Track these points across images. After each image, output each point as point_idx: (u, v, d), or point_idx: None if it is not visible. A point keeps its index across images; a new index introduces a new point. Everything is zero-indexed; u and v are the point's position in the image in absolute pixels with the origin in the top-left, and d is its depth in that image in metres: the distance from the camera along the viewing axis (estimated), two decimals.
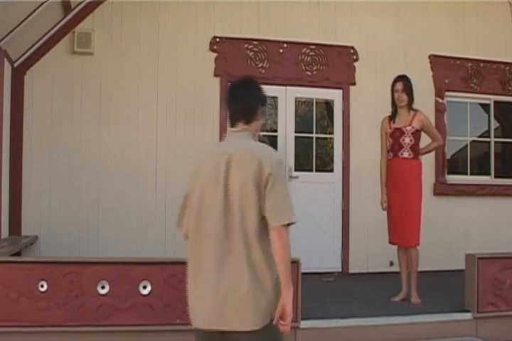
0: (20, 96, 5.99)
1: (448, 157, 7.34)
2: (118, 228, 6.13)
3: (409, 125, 5.10)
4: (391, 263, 6.26)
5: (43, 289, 3.89)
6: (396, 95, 5.16)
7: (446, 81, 7.23)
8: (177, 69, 6.45)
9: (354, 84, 6.95)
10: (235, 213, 2.37)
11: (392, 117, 5.23)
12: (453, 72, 7.26)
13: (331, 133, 6.98)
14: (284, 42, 6.75)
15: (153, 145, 6.35)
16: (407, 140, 5.09)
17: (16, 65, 5.91)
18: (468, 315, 4.62)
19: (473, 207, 7.22)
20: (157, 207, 6.30)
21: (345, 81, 6.94)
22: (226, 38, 6.58)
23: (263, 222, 2.37)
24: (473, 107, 7.54)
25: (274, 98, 6.84)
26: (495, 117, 7.62)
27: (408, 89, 5.13)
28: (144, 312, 4.00)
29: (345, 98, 6.93)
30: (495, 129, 7.62)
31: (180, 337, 4.09)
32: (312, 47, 6.83)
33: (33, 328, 3.87)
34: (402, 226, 5.04)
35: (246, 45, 6.64)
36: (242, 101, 2.60)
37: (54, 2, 5.41)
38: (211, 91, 6.52)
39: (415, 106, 5.20)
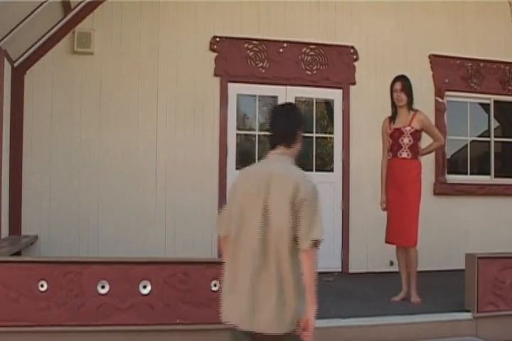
0: (20, 96, 5.99)
1: (448, 157, 7.34)
2: (118, 228, 6.14)
3: (409, 125, 5.10)
4: (391, 263, 6.25)
5: (43, 289, 3.89)
6: (395, 95, 5.16)
7: (446, 81, 7.23)
8: (177, 69, 6.45)
9: (354, 83, 6.96)
10: (271, 230, 2.62)
11: (393, 118, 5.24)
12: (453, 72, 7.26)
13: (331, 132, 6.99)
14: (284, 41, 6.75)
15: (153, 145, 6.35)
16: (406, 140, 5.09)
17: (15, 64, 5.92)
18: (468, 315, 4.62)
19: (473, 206, 7.23)
20: (157, 207, 6.30)
21: (345, 81, 6.94)
22: (226, 38, 6.58)
23: (295, 241, 2.61)
24: (473, 107, 7.54)
25: (274, 98, 6.84)
26: (495, 117, 7.62)
27: (407, 88, 5.13)
28: (144, 311, 4.00)
29: (345, 98, 6.93)
30: (495, 129, 7.62)
31: (180, 337, 4.10)
32: (312, 46, 6.84)
33: (33, 328, 3.87)
34: (400, 226, 5.05)
35: (246, 45, 6.65)
36: (283, 128, 2.81)
37: (54, 2, 5.41)
38: (211, 91, 6.53)
39: (415, 106, 5.21)
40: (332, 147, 6.95)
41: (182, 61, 6.47)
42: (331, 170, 6.90)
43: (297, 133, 2.83)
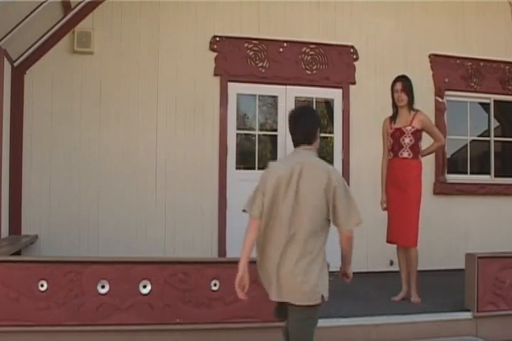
0: (20, 95, 5.99)
1: (448, 156, 7.34)
2: (118, 227, 6.13)
3: (410, 125, 5.11)
4: (391, 263, 6.26)
5: (43, 288, 3.89)
6: (396, 95, 5.17)
7: (446, 80, 7.23)
8: (177, 68, 6.45)
9: (354, 83, 6.95)
10: (302, 212, 3.02)
11: (393, 118, 5.24)
12: (453, 72, 7.26)
13: (331, 132, 6.98)
14: (284, 41, 6.75)
15: (153, 144, 6.35)
16: (407, 140, 5.10)
17: (15, 64, 5.91)
18: (468, 315, 4.63)
19: (473, 206, 7.22)
20: (157, 206, 6.30)
21: (345, 80, 6.94)
22: (226, 38, 6.57)
23: (323, 222, 3.06)
24: (473, 106, 7.54)
25: (274, 97, 6.85)
26: (495, 116, 7.61)
27: (408, 89, 5.14)
28: (144, 311, 4.00)
29: (345, 97, 6.93)
30: (495, 128, 7.62)
31: (180, 337, 4.10)
32: (312, 46, 6.83)
33: (33, 327, 3.87)
34: (401, 225, 5.05)
35: (246, 45, 6.64)
36: (304, 129, 3.24)
37: (54, 2, 5.41)
38: (211, 91, 6.53)
39: (415, 105, 5.21)
40: (332, 147, 6.95)
41: (182, 61, 6.47)
42: None
43: (316, 132, 3.26)
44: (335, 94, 6.95)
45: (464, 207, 7.18)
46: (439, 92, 7.19)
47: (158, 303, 4.03)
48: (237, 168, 6.63)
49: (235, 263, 4.20)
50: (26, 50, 5.97)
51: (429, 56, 7.21)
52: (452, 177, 7.27)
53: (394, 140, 5.16)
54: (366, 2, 6.98)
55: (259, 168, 6.72)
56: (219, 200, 6.45)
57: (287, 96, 6.79)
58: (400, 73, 5.32)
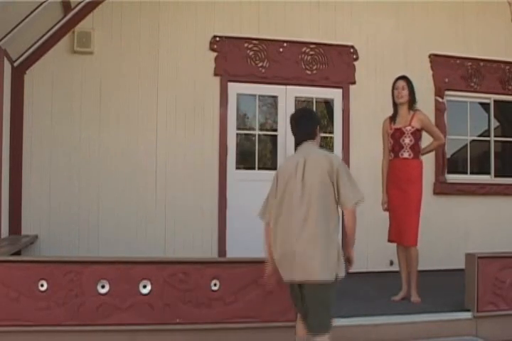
0: (20, 95, 5.99)
1: (448, 156, 7.34)
2: (118, 227, 6.13)
3: (409, 125, 5.11)
4: (391, 263, 6.26)
5: (43, 288, 3.89)
6: (396, 92, 5.17)
7: (446, 80, 7.23)
8: (177, 68, 6.45)
9: (354, 83, 6.95)
10: (311, 196, 3.34)
11: (393, 118, 5.25)
12: (453, 72, 7.26)
13: (331, 132, 6.98)
14: (284, 41, 6.75)
15: (153, 144, 6.35)
16: (407, 140, 5.10)
17: (15, 64, 5.91)
18: (468, 314, 4.63)
19: (473, 206, 7.22)
20: (157, 206, 6.30)
21: (345, 80, 6.94)
22: (226, 37, 6.57)
23: (332, 204, 3.36)
24: (473, 106, 7.54)
25: (274, 97, 6.85)
26: (495, 116, 7.61)
27: (409, 87, 5.14)
28: (144, 311, 4.00)
29: (345, 97, 6.93)
30: (495, 128, 7.62)
31: (180, 337, 4.10)
32: (312, 46, 6.83)
33: (33, 327, 3.87)
34: (401, 225, 5.05)
35: (246, 45, 6.64)
36: (305, 129, 3.63)
37: (54, 2, 5.41)
38: (211, 91, 6.53)
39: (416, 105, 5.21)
40: (332, 147, 6.94)
41: (182, 61, 6.47)
42: None
43: (316, 130, 3.65)
44: (335, 94, 6.95)
45: (463, 207, 7.18)
46: (439, 92, 7.19)
47: (158, 303, 4.03)
48: (237, 168, 6.63)
49: (235, 263, 4.23)
50: (26, 50, 5.97)
51: (429, 56, 7.21)
52: (452, 177, 7.27)
53: (394, 140, 5.17)
54: (366, 2, 6.98)
55: (259, 168, 6.73)
56: (219, 200, 6.45)
57: (287, 96, 6.80)
58: (400, 73, 5.33)
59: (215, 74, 6.55)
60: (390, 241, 5.23)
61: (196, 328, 4.10)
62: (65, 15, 6.03)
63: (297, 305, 3.53)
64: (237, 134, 6.72)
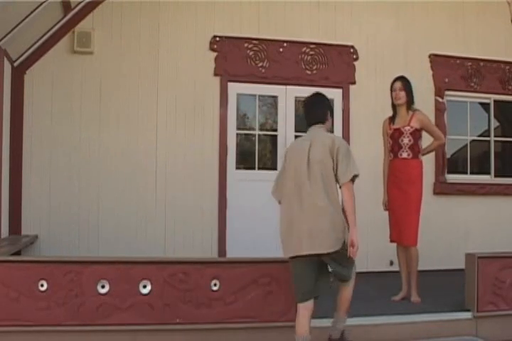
0: (20, 95, 5.99)
1: (448, 156, 7.34)
2: (118, 227, 6.14)
3: (408, 125, 5.10)
4: (391, 263, 6.26)
5: (43, 288, 3.89)
6: (394, 94, 5.17)
7: (446, 80, 7.23)
8: (177, 68, 6.45)
9: (354, 83, 6.95)
10: (315, 172, 3.65)
11: (392, 118, 5.25)
12: (453, 72, 7.26)
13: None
14: (284, 41, 6.75)
15: (153, 144, 6.35)
16: (406, 140, 5.09)
17: (15, 64, 5.91)
18: (468, 314, 4.63)
19: (473, 206, 7.22)
20: (157, 206, 6.30)
21: (345, 80, 6.94)
22: (226, 37, 6.57)
23: (332, 179, 3.67)
24: (473, 106, 7.54)
25: (274, 97, 6.85)
26: (495, 116, 7.62)
27: (406, 88, 5.14)
28: (144, 311, 4.00)
29: (345, 97, 6.93)
30: (495, 128, 7.62)
31: (180, 337, 4.10)
32: (312, 46, 6.83)
33: (33, 327, 3.87)
34: (401, 225, 5.05)
35: (246, 45, 6.64)
36: (316, 112, 3.93)
37: (54, 2, 5.41)
38: (211, 91, 6.53)
39: (415, 105, 5.20)
40: None
41: (182, 61, 6.47)
42: None
43: (326, 113, 3.96)
44: (335, 94, 6.94)
45: (463, 207, 7.18)
46: (439, 92, 7.19)
47: (158, 303, 4.03)
48: (237, 168, 6.63)
49: (235, 263, 4.23)
50: (26, 50, 5.97)
51: (429, 56, 7.21)
52: (452, 177, 7.27)
53: (393, 140, 5.17)
54: (366, 2, 6.98)
55: (259, 168, 6.73)
56: (219, 200, 6.45)
57: (287, 96, 6.80)
58: (400, 73, 5.32)
59: (215, 74, 6.55)
60: (392, 241, 5.23)
61: (196, 328, 4.10)
62: (65, 15, 6.03)
63: (301, 284, 3.71)
64: (237, 134, 6.72)
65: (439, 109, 7.15)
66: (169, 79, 6.42)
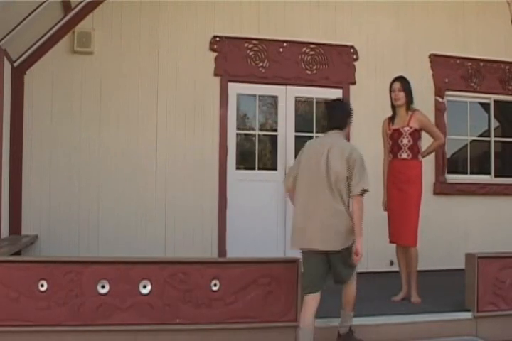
0: (20, 95, 5.99)
1: (448, 156, 7.34)
2: (118, 227, 6.14)
3: (407, 125, 5.10)
4: (391, 263, 6.26)
5: (43, 288, 3.89)
6: (393, 95, 5.17)
7: (446, 80, 7.23)
8: (177, 68, 6.45)
9: (354, 83, 6.95)
10: (333, 180, 3.81)
11: (392, 118, 5.24)
12: (453, 72, 7.26)
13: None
14: (284, 41, 6.75)
15: (153, 145, 6.35)
16: (405, 141, 5.09)
17: (15, 64, 5.91)
18: (468, 315, 4.63)
19: (473, 206, 7.22)
20: (157, 206, 6.30)
21: (345, 80, 6.94)
22: (226, 38, 6.57)
23: (347, 188, 3.83)
24: (473, 106, 7.54)
25: (274, 97, 6.85)
26: (495, 116, 7.61)
27: (405, 88, 5.13)
28: (144, 311, 4.00)
29: (345, 97, 6.91)
30: (495, 128, 7.62)
31: (180, 337, 4.10)
32: (312, 46, 6.83)
33: (33, 327, 3.87)
34: (400, 225, 5.05)
35: (246, 45, 6.64)
36: (336, 118, 4.13)
37: (54, 2, 5.41)
38: (211, 91, 6.53)
39: (415, 105, 5.20)
40: None
41: (182, 61, 6.47)
42: None
43: (346, 120, 4.16)
44: (335, 94, 6.89)
45: (464, 207, 7.18)
46: (439, 92, 7.19)
47: (158, 303, 4.03)
48: (237, 168, 6.63)
49: (235, 263, 4.23)
50: (26, 50, 5.97)
51: (429, 56, 7.21)
52: (452, 177, 7.27)
53: (393, 141, 5.16)
54: (366, 2, 6.98)
55: (259, 168, 6.73)
56: (219, 200, 6.45)
57: (287, 96, 6.80)
58: (400, 73, 5.32)
59: (215, 75, 6.55)
60: (391, 242, 5.23)
61: (196, 328, 4.09)
62: (65, 16, 6.03)
63: (312, 276, 3.87)
64: (237, 134, 6.72)
65: (439, 109, 7.15)
66: (169, 79, 6.42)
